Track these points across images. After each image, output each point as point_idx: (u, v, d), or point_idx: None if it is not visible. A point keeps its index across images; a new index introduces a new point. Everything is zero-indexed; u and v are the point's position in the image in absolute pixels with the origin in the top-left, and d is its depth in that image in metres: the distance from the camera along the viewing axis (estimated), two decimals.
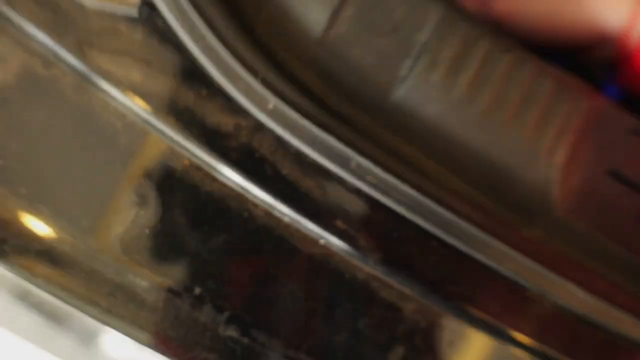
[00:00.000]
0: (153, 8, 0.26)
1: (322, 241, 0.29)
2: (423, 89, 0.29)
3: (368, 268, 0.30)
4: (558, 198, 0.32)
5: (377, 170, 0.28)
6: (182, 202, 0.28)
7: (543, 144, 0.30)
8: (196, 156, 0.28)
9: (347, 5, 0.28)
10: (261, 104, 0.27)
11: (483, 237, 0.29)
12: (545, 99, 0.30)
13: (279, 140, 0.28)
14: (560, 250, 0.32)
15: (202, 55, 0.26)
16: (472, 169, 0.31)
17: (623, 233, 0.33)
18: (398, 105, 0.29)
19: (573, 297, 0.31)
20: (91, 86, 0.27)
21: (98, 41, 0.26)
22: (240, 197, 0.28)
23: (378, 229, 0.29)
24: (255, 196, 0.28)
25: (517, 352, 0.30)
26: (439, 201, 0.28)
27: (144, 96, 0.27)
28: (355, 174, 0.28)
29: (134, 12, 0.26)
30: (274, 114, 0.27)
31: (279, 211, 0.28)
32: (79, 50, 0.26)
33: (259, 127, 0.28)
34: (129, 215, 0.28)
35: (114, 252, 0.27)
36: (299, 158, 0.28)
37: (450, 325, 0.30)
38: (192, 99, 0.27)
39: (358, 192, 0.28)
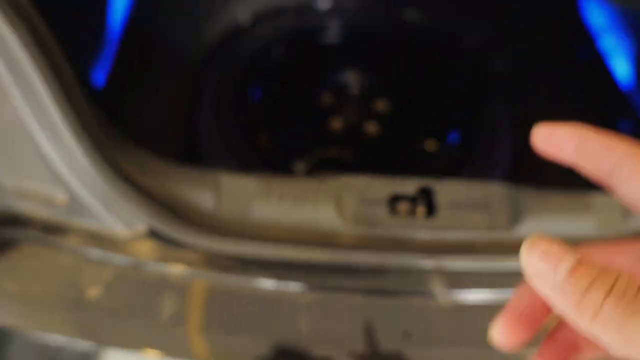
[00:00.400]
0: (155, 230, 0.69)
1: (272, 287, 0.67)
2: (263, 208, 0.71)
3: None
4: (343, 222, 0.71)
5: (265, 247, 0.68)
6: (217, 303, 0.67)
7: (321, 205, 0.71)
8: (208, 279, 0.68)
9: (222, 195, 0.71)
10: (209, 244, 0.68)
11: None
12: (313, 189, 0.71)
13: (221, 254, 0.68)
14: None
15: (176, 234, 0.68)
16: (301, 226, 0.71)
17: (381, 224, 0.71)
18: (258, 218, 0.71)
19: None
20: (148, 271, 0.68)
21: (138, 251, 0.69)
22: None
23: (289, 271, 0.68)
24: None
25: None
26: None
27: (178, 262, 0.68)
28: (257, 254, 0.68)
29: (147, 233, 0.69)
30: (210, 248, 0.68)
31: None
32: (133, 255, 0.68)
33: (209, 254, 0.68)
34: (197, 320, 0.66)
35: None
36: (233, 258, 0.68)
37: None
38: (186, 256, 0.69)
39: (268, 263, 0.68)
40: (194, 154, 1.18)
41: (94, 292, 0.67)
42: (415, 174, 0.79)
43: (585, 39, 1.37)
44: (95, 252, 0.68)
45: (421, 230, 0.72)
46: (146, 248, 0.69)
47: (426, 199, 0.76)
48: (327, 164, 1.21)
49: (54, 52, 0.58)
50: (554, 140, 0.34)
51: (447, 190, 0.76)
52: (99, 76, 1.03)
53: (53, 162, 0.62)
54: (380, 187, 0.75)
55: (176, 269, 0.68)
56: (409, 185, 0.76)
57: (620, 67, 1.23)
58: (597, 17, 1.34)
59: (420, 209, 0.76)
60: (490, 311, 0.69)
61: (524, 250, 0.27)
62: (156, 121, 1.14)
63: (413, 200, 0.76)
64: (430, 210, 0.75)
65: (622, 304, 0.23)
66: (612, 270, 0.25)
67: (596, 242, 0.34)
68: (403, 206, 0.76)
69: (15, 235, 0.70)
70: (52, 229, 0.69)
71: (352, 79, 1.41)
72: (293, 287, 0.68)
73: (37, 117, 0.57)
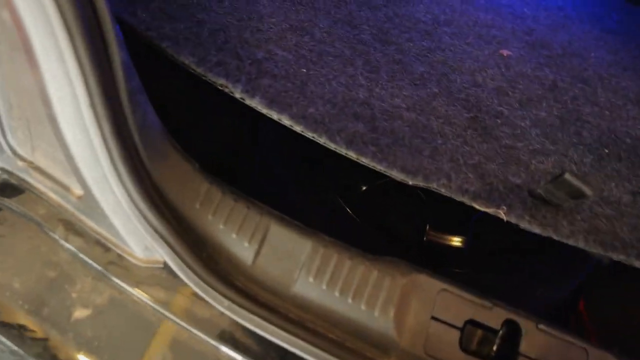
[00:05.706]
0: (167, 265, 0.55)
1: None
2: (307, 285, 0.55)
3: None
4: (398, 337, 0.55)
5: (283, 333, 0.53)
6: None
7: (377, 307, 0.55)
8: (193, 333, 0.54)
9: (264, 248, 0.56)
10: (221, 303, 0.54)
11: None
12: (374, 281, 0.55)
13: (236, 322, 0.54)
14: None
15: (191, 282, 0.54)
16: (343, 323, 0.55)
17: (446, 357, 0.55)
18: (296, 294, 0.56)
19: None
20: (139, 303, 0.55)
21: (146, 279, 0.55)
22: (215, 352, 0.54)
23: None
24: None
25: None
26: (318, 346, 0.52)
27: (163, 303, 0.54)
28: (273, 334, 0.53)
29: (162, 266, 0.55)
30: (229, 309, 0.53)
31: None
32: (136, 285, 0.54)
33: (223, 314, 0.54)
34: None
35: None
36: (247, 330, 0.54)
37: None
38: (189, 302, 0.55)
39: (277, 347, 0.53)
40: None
41: (80, 313, 0.55)
42: None
43: None
44: (94, 266, 0.55)
45: None
46: (152, 286, 0.55)
47: (509, 336, 0.59)
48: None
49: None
50: None
51: (537, 338, 0.58)
52: None
53: (73, 155, 0.48)
54: (458, 304, 0.58)
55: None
56: (494, 314, 0.58)
57: None
58: None
59: (496, 348, 0.59)
60: None
61: None
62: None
63: (492, 332, 0.59)
64: (511, 354, 0.57)
65: None
66: None
67: None
68: (477, 336, 0.59)
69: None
70: (59, 221, 0.56)
71: None
72: None
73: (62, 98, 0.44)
